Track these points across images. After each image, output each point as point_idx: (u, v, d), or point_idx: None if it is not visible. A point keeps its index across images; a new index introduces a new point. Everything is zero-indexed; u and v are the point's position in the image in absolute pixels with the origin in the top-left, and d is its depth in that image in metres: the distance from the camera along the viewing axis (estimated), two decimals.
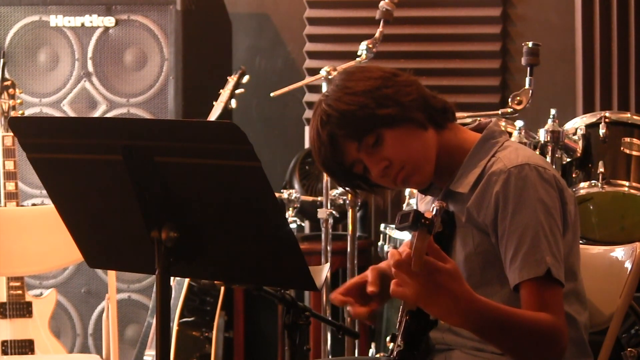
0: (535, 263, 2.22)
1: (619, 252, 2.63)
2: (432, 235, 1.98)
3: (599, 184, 3.52)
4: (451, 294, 2.04)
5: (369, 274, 2.42)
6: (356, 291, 2.45)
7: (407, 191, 3.88)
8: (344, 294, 2.45)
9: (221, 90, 4.39)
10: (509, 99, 3.65)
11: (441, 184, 2.42)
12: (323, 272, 2.41)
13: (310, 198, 4.42)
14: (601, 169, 3.53)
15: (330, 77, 3.79)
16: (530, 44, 3.63)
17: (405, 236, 3.67)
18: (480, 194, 2.31)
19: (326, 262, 3.98)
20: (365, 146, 2.33)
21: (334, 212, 4.01)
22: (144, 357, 4.24)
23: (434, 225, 1.95)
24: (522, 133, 3.58)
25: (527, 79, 3.63)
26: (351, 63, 3.81)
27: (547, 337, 2.19)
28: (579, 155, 3.61)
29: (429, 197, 2.51)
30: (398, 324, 2.32)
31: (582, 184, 3.57)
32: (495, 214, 2.28)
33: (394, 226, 3.88)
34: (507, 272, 2.27)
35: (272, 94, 4.11)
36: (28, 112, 4.57)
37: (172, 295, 4.23)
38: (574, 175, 3.62)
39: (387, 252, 3.99)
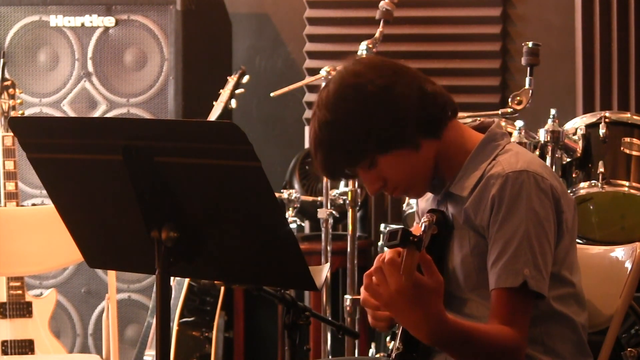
0: (512, 273, 2.23)
1: (619, 252, 2.63)
2: (424, 249, 1.99)
3: (599, 184, 3.52)
4: (424, 311, 2.07)
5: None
6: None
7: None
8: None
9: (221, 90, 4.39)
10: (509, 99, 3.65)
11: (443, 181, 2.42)
12: (323, 272, 2.41)
13: (310, 198, 4.42)
14: (601, 169, 3.53)
15: (330, 77, 3.79)
16: (530, 44, 3.63)
17: None
18: (478, 196, 2.31)
19: (326, 262, 3.98)
20: (360, 167, 2.35)
21: (334, 212, 4.01)
22: (144, 357, 4.24)
23: (422, 242, 1.95)
24: (522, 133, 3.58)
25: (527, 79, 3.63)
26: None
27: (505, 353, 2.22)
28: (579, 155, 3.61)
29: (429, 194, 2.51)
30: (398, 324, 2.32)
31: (582, 184, 3.57)
32: (490, 217, 2.28)
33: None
34: (489, 276, 2.28)
35: (272, 94, 4.12)
36: (28, 112, 4.57)
37: (172, 295, 4.23)
38: (574, 175, 3.62)
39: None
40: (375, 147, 2.31)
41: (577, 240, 2.42)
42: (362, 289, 2.23)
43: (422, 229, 1.99)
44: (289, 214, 4.29)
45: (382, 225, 4.12)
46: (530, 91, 3.62)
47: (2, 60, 4.40)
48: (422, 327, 2.10)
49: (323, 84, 3.82)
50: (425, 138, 2.33)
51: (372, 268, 2.11)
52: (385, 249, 2.07)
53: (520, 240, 2.24)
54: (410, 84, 2.32)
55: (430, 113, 2.33)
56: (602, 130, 3.57)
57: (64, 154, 2.17)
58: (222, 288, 4.27)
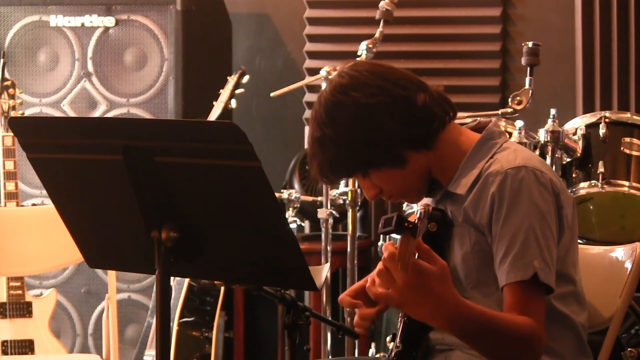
0: (522, 266, 2.23)
1: (619, 252, 2.63)
2: (420, 237, 1.98)
3: (599, 184, 3.52)
4: (435, 297, 2.04)
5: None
6: (363, 294, 2.45)
7: None
8: (352, 296, 2.46)
9: (221, 90, 4.39)
10: (509, 99, 3.65)
11: (441, 182, 2.42)
12: (323, 272, 2.41)
13: (310, 198, 4.42)
14: (601, 169, 3.53)
15: (330, 77, 3.79)
16: (530, 44, 3.63)
17: None
18: (477, 194, 2.31)
19: (326, 262, 3.98)
20: (355, 177, 2.43)
21: (334, 212, 4.01)
22: (144, 357, 4.24)
23: (417, 228, 1.95)
24: (522, 133, 3.58)
25: (527, 79, 3.63)
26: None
27: (525, 341, 2.20)
28: (579, 155, 3.61)
29: (428, 197, 2.51)
30: (398, 323, 2.32)
31: (582, 184, 3.57)
32: (490, 215, 2.29)
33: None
34: (497, 274, 2.27)
35: (272, 94, 4.12)
36: (28, 112, 4.56)
37: (172, 295, 4.23)
38: (574, 175, 3.62)
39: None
40: (361, 165, 2.35)
41: (577, 240, 2.42)
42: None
43: (418, 216, 1.99)
44: (289, 214, 4.29)
45: None
46: (530, 91, 3.62)
47: (2, 60, 4.40)
48: (439, 315, 2.06)
49: (323, 84, 3.83)
50: (415, 152, 2.34)
51: (375, 273, 2.09)
52: (381, 242, 2.07)
53: (526, 234, 2.24)
54: (396, 101, 2.32)
55: (417, 129, 2.33)
56: (602, 130, 3.57)
57: (64, 154, 2.17)
58: (222, 288, 4.27)
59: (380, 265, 2.07)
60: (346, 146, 2.32)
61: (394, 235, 3.95)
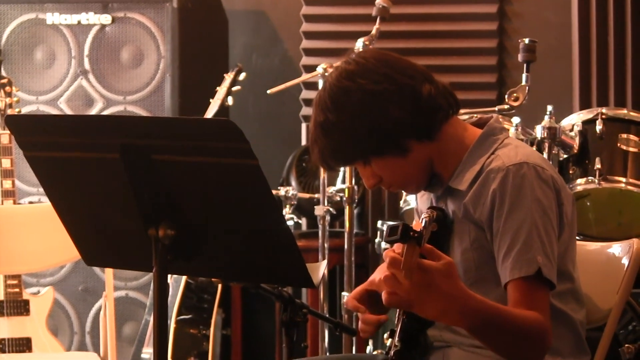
0: (526, 262, 2.22)
1: (616, 248, 2.63)
2: (425, 243, 1.98)
3: (596, 180, 3.52)
4: (443, 293, 2.02)
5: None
6: (367, 297, 2.44)
7: None
8: (357, 299, 2.45)
9: (218, 88, 4.38)
10: (506, 96, 3.65)
11: (441, 179, 2.42)
12: (320, 269, 2.41)
13: (307, 195, 4.42)
14: (598, 165, 3.53)
15: (326, 74, 3.79)
16: (526, 40, 3.63)
17: None
18: (478, 190, 2.31)
19: (323, 259, 3.98)
20: (356, 164, 2.41)
21: (331, 209, 4.01)
22: (142, 355, 4.24)
23: (422, 237, 1.94)
24: (519, 129, 3.58)
25: (524, 76, 3.63)
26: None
27: (534, 335, 2.19)
28: (575, 151, 3.61)
29: (430, 192, 2.51)
30: (396, 320, 2.32)
31: (579, 181, 3.58)
32: (491, 211, 2.28)
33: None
34: (499, 270, 2.27)
35: (268, 91, 4.11)
36: (25, 110, 4.56)
37: (170, 293, 4.23)
38: (570, 172, 3.62)
39: (384, 248, 4.00)
40: (362, 152, 2.34)
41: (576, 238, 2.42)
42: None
43: (423, 224, 1.98)
44: (286, 211, 4.29)
45: (379, 222, 4.12)
46: (527, 88, 3.62)
47: None
48: (450, 310, 2.05)
49: (320, 82, 3.83)
50: (417, 142, 2.34)
51: (382, 279, 2.06)
52: (383, 244, 2.06)
53: (529, 230, 2.23)
54: (401, 89, 2.32)
55: (421, 119, 2.33)
56: (598, 127, 3.57)
57: (61, 152, 2.17)
58: (220, 285, 4.27)
59: (385, 271, 2.03)
60: (349, 132, 2.32)
61: None
